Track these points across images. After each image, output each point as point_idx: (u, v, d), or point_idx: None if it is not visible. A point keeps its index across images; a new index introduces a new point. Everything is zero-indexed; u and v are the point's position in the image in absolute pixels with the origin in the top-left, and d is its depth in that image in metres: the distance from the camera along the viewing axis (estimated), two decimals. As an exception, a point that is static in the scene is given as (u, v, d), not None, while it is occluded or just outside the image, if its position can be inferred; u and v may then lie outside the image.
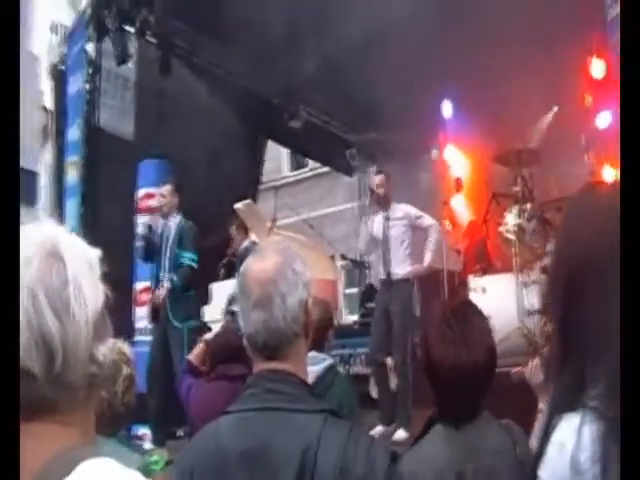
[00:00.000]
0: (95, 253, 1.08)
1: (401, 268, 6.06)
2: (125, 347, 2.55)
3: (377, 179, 6.31)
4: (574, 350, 1.12)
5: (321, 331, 3.43)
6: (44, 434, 0.98)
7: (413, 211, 6.29)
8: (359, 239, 6.36)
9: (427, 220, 6.21)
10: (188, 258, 6.66)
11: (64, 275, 0.99)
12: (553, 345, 1.31)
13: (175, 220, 6.82)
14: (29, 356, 0.94)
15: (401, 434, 5.66)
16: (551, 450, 1.10)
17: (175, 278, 6.58)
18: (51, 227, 1.05)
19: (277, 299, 1.56)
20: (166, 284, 6.63)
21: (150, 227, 6.88)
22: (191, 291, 6.81)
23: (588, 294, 1.11)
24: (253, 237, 8.07)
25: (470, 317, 2.06)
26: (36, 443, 0.97)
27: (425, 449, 2.03)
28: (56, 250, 1.01)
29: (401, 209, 6.30)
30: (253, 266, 1.62)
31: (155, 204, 7.07)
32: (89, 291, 1.01)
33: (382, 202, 6.19)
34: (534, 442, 1.91)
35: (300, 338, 1.62)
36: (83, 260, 1.03)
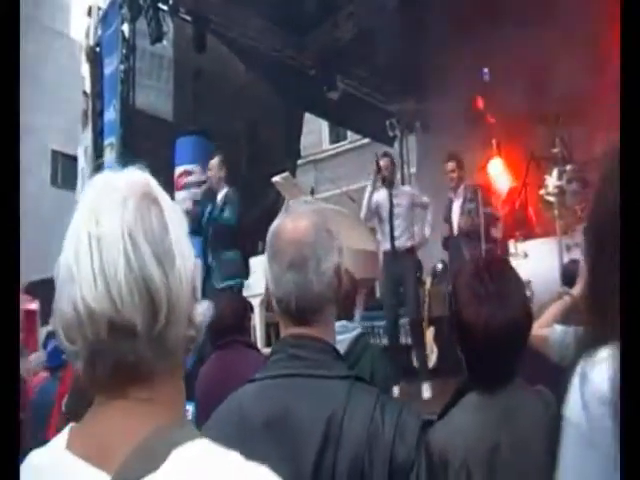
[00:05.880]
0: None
1: (405, 240, 6.56)
2: None
3: (383, 162, 6.62)
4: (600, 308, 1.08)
5: (348, 299, 3.42)
6: (134, 411, 0.86)
7: (414, 191, 7.17)
8: (361, 210, 6.77)
9: (425, 199, 6.89)
10: (225, 219, 6.49)
11: (163, 221, 0.87)
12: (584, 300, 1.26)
13: (222, 193, 6.64)
14: (131, 306, 0.82)
15: (426, 393, 6.10)
16: (574, 381, 1.04)
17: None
18: (142, 172, 0.93)
19: (312, 262, 1.48)
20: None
21: (194, 202, 6.76)
22: (232, 252, 6.63)
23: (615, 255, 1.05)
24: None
25: (505, 273, 1.89)
26: (125, 421, 0.85)
27: (456, 420, 1.89)
28: (152, 193, 0.89)
29: (404, 189, 7.29)
30: (287, 226, 1.52)
31: (194, 180, 6.95)
32: (187, 244, 0.90)
33: (387, 182, 6.64)
34: None
35: (332, 304, 1.56)
36: (178, 211, 0.92)
